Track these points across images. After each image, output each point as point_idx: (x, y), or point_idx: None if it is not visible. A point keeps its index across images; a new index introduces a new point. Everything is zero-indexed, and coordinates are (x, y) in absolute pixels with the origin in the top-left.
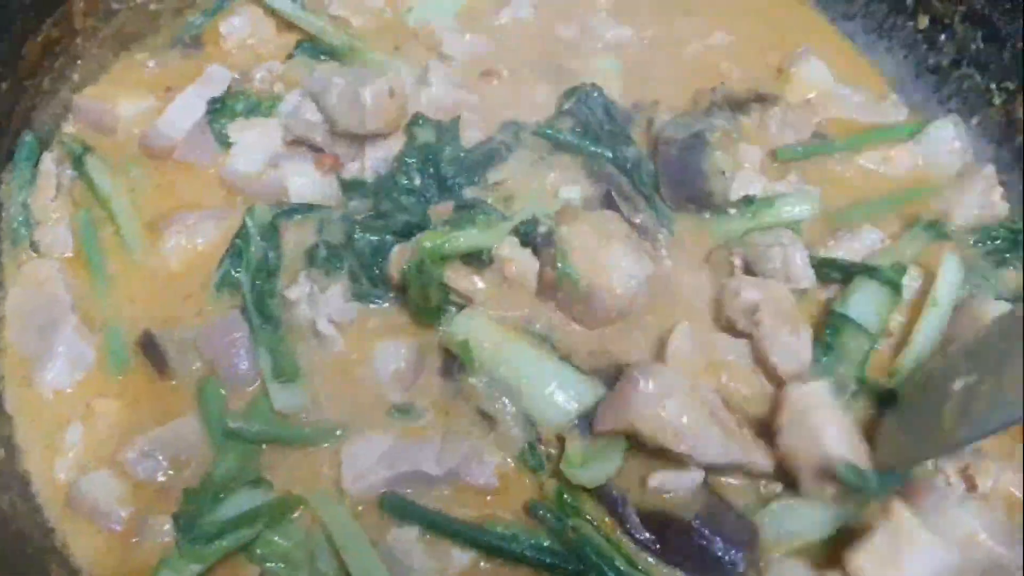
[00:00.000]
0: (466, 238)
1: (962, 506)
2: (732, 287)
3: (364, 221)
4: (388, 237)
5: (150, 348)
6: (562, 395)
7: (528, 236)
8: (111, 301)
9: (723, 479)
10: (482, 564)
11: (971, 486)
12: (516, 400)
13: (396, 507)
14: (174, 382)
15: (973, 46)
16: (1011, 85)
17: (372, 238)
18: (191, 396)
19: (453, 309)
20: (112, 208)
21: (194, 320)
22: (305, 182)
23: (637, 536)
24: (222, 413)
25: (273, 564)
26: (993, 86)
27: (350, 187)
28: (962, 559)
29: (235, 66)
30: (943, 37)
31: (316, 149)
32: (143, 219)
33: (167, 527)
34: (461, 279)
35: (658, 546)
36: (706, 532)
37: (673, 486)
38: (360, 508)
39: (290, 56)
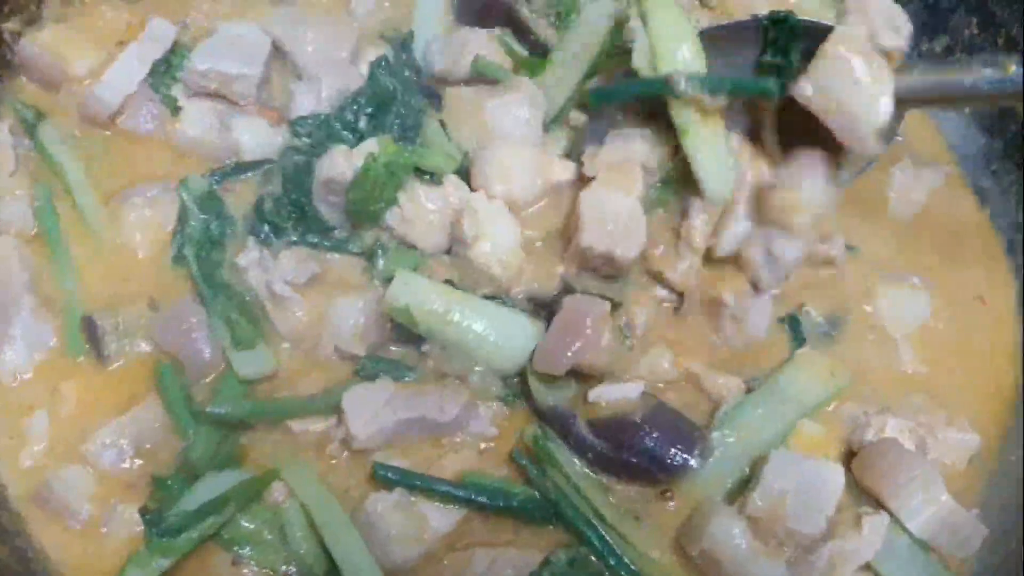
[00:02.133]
0: (420, 156)
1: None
2: None
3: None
4: None
5: (90, 333)
6: (511, 343)
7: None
8: (70, 281)
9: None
10: (465, 523)
11: (921, 443)
12: (472, 357)
13: (387, 476)
14: (111, 368)
15: (967, 32)
16: None
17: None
18: (149, 379)
19: (381, 254)
20: (68, 181)
21: (161, 299)
22: (257, 137)
23: (590, 447)
24: (183, 396)
25: (243, 548)
26: None
27: (296, 124)
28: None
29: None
30: (935, 23)
31: (230, 102)
32: (100, 192)
33: (136, 517)
34: (413, 200)
35: (612, 452)
36: (655, 429)
37: (613, 396)
38: (331, 478)
39: None
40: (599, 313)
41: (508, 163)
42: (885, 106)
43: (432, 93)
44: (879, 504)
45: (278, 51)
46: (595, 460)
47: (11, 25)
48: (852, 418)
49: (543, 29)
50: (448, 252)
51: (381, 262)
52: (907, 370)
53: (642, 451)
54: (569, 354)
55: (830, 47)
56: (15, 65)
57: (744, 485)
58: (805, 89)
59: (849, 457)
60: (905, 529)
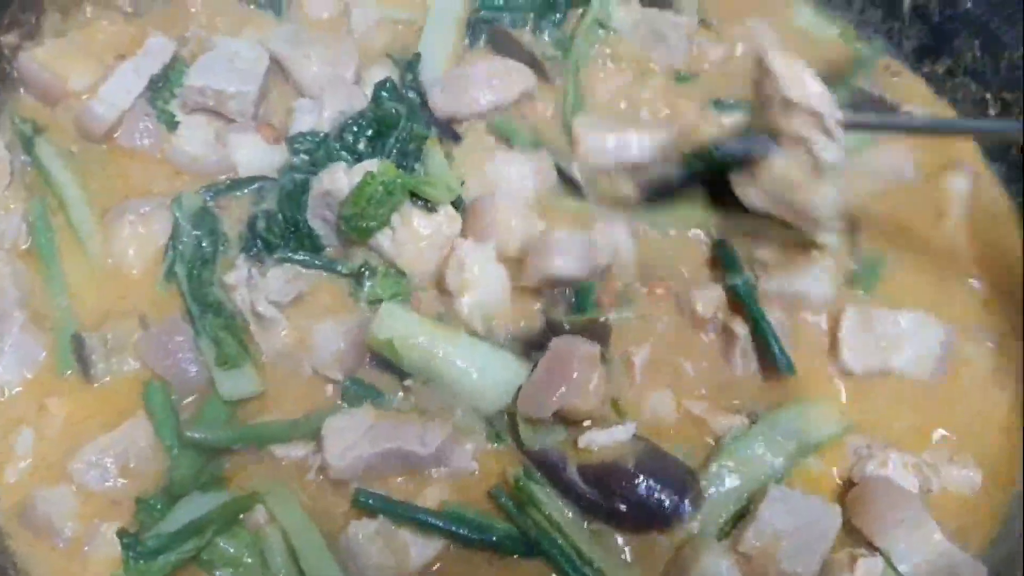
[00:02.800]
0: (420, 183)
1: (917, 505)
2: None
3: (298, 166)
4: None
5: (78, 350)
6: (496, 381)
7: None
8: (62, 297)
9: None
10: (444, 554)
11: (924, 482)
12: (455, 394)
13: (368, 503)
14: (99, 385)
15: (970, 55)
16: (1009, 96)
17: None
18: (137, 397)
19: (368, 276)
20: (63, 196)
21: (153, 316)
22: (253, 154)
23: (580, 494)
24: (170, 417)
25: (222, 570)
26: (989, 96)
27: (294, 141)
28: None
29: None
30: (938, 46)
31: (227, 119)
32: (96, 208)
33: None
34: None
35: (602, 501)
36: (648, 478)
37: (603, 442)
38: (314, 504)
39: None
40: (586, 355)
41: (504, 217)
42: (830, 198)
43: (438, 123)
44: (871, 545)
45: (279, 68)
46: (585, 507)
47: (10, 39)
48: (855, 450)
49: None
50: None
51: (368, 284)
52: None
53: (634, 501)
54: (554, 399)
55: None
56: (14, 79)
57: (739, 519)
58: (753, 198)
59: (848, 489)
60: (896, 572)
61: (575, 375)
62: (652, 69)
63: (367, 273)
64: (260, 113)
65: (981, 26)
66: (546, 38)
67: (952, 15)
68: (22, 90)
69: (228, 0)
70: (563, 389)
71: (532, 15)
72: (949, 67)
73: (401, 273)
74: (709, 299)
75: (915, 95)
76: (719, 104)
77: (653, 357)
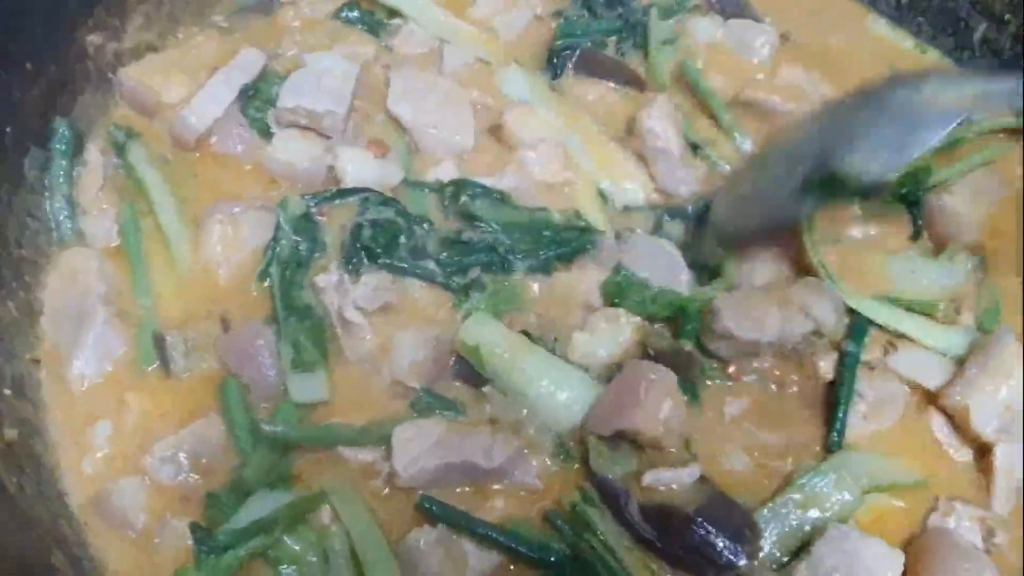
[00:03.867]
0: None
1: (979, 560)
2: None
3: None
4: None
5: (160, 347)
6: (571, 400)
7: None
8: (147, 296)
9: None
10: (502, 569)
11: (988, 535)
12: (530, 407)
13: (431, 509)
14: (177, 382)
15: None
16: None
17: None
18: (212, 396)
19: (476, 289)
20: (152, 200)
21: (234, 319)
22: (361, 168)
23: (639, 532)
24: (246, 414)
25: (287, 567)
26: None
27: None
28: None
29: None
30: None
31: (321, 135)
32: (186, 212)
33: (187, 531)
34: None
35: (660, 541)
36: (706, 524)
37: (668, 482)
38: (378, 508)
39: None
40: (657, 380)
41: None
42: None
43: None
44: None
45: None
46: (642, 543)
47: (94, 38)
48: (924, 504)
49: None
50: None
51: (476, 297)
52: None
53: (689, 546)
54: (618, 418)
55: None
56: (111, 89)
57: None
58: None
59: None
60: None
61: (642, 397)
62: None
63: (476, 288)
64: (350, 127)
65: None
66: (631, 55)
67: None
68: (119, 99)
69: (323, 17)
70: (628, 410)
71: (613, 38)
72: (956, 44)
73: (512, 294)
74: (830, 363)
75: None
76: None
77: (748, 412)
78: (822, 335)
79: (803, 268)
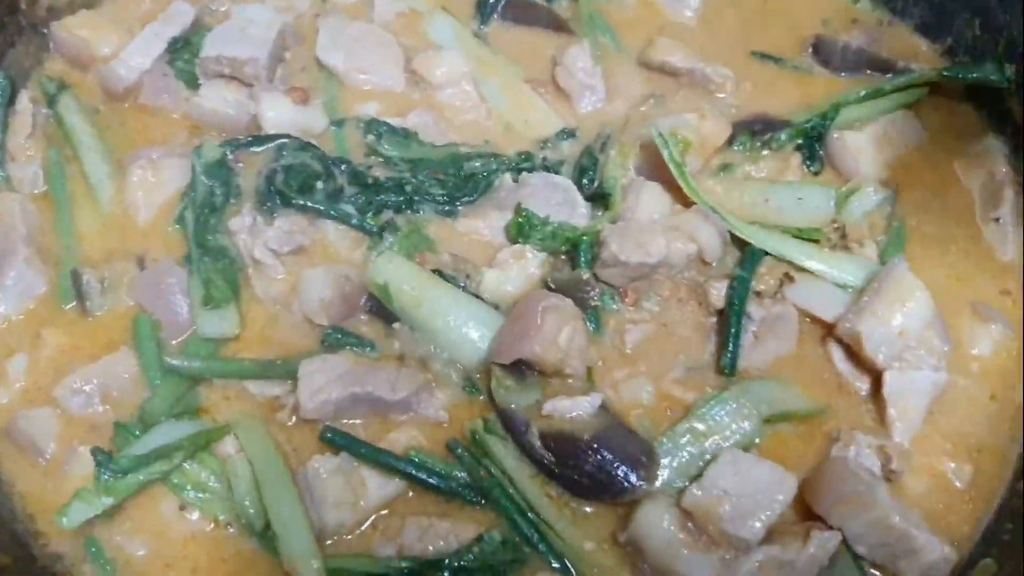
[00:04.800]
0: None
1: (875, 489)
2: None
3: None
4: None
5: (76, 284)
6: (476, 333)
7: None
8: (68, 237)
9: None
10: (401, 497)
11: (886, 463)
12: (437, 342)
13: (334, 440)
14: (93, 319)
15: (970, 33)
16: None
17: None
18: (125, 332)
19: (389, 231)
20: (79, 146)
21: (151, 260)
22: (282, 115)
23: (539, 459)
24: (155, 348)
25: (189, 493)
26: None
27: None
28: (876, 542)
29: None
30: (940, 25)
31: (245, 83)
32: (113, 161)
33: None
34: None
35: (558, 468)
36: (602, 451)
37: (568, 411)
38: (283, 440)
39: None
40: (552, 306)
41: None
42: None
43: None
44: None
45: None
46: (542, 470)
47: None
48: (826, 433)
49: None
50: None
51: (389, 240)
52: None
53: (586, 471)
54: (516, 346)
55: None
56: (47, 43)
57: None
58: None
59: None
60: (852, 552)
61: (539, 324)
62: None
63: (389, 230)
64: (278, 75)
65: (981, 5)
66: (560, 2)
67: None
68: (53, 52)
69: None
70: (527, 337)
71: None
72: (950, 46)
73: (424, 237)
74: (722, 291)
75: (913, 52)
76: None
77: (649, 339)
78: (708, 262)
79: (689, 202)
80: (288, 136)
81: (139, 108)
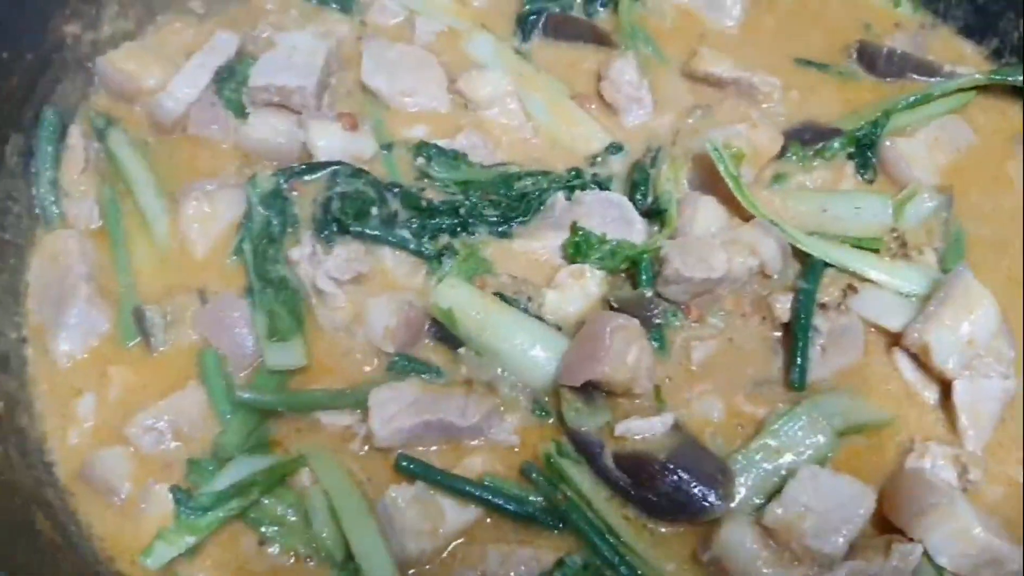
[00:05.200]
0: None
1: (955, 500)
2: None
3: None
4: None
5: (139, 321)
6: (543, 355)
7: None
8: (127, 274)
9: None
10: (479, 523)
11: (962, 473)
12: (503, 365)
13: (409, 468)
14: (158, 355)
15: (1015, 34)
16: None
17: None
18: (191, 367)
19: (448, 256)
20: (131, 181)
21: (211, 292)
22: (332, 141)
23: (614, 481)
24: (223, 382)
25: (268, 528)
26: None
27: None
28: (957, 553)
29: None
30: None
31: (294, 111)
32: (165, 193)
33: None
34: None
35: (634, 489)
36: (678, 471)
37: (640, 431)
38: (357, 469)
39: None
40: (620, 327)
41: None
42: None
43: None
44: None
45: (339, 58)
46: (618, 492)
47: (72, 29)
48: (899, 443)
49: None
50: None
51: (448, 264)
52: None
53: (663, 492)
54: (586, 367)
55: None
56: (91, 77)
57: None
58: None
59: None
60: (934, 564)
61: (608, 345)
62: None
63: (447, 255)
64: (325, 102)
65: None
66: (600, 15)
67: None
68: (99, 86)
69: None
70: (595, 358)
71: (580, 1)
72: (996, 48)
73: (482, 259)
74: (786, 304)
75: (958, 55)
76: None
77: (715, 356)
78: (770, 275)
79: (746, 214)
80: (340, 163)
81: (188, 139)
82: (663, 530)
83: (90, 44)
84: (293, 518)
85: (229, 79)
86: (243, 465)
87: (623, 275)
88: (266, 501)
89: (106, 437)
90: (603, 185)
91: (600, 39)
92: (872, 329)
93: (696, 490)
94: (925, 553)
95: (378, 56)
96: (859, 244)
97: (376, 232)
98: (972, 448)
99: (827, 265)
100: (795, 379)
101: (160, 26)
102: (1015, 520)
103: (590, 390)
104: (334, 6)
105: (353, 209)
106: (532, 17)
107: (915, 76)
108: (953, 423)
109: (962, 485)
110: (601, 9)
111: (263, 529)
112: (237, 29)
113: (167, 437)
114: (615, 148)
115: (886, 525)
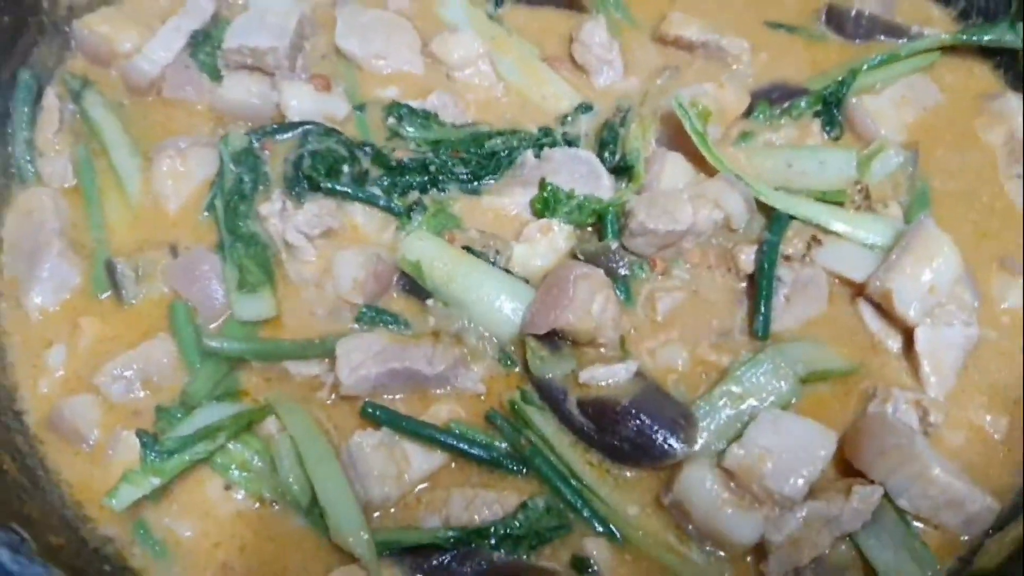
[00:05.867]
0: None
1: (915, 441)
2: None
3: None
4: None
5: (111, 274)
6: (508, 306)
7: None
8: (100, 229)
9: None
10: (444, 468)
11: (924, 417)
12: (470, 316)
13: (375, 414)
14: (129, 307)
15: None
16: None
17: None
18: (162, 319)
19: (418, 211)
20: (106, 140)
21: (183, 247)
22: (304, 102)
23: (578, 426)
24: (193, 332)
25: (234, 473)
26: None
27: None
28: (917, 495)
29: None
30: None
31: (267, 73)
32: (139, 153)
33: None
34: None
35: (597, 434)
36: (640, 415)
37: (604, 378)
38: (324, 417)
39: None
40: (583, 275)
41: None
42: None
43: None
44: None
45: (312, 21)
46: (582, 438)
47: None
48: (863, 391)
49: None
50: None
51: (418, 219)
52: None
53: (625, 436)
54: (551, 316)
55: None
56: (68, 41)
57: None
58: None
59: None
60: (893, 504)
61: (572, 293)
62: None
63: (417, 209)
64: (299, 64)
65: None
66: None
67: None
68: (75, 49)
69: None
70: (560, 307)
71: None
72: (963, 9)
73: (451, 215)
74: (751, 256)
75: (926, 17)
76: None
77: (680, 307)
78: (735, 229)
79: (712, 170)
80: (312, 123)
81: (162, 101)
82: (627, 474)
83: (67, 8)
84: (259, 464)
85: (204, 43)
86: (210, 412)
87: (590, 230)
88: (232, 447)
89: (76, 386)
90: (573, 143)
91: (571, 4)
92: (837, 280)
93: (658, 434)
94: (886, 495)
95: (352, 20)
96: (823, 198)
97: (346, 189)
98: (935, 394)
99: (792, 218)
100: (759, 328)
101: None
102: (976, 465)
103: (555, 339)
104: None
105: (324, 166)
106: None
107: (883, 38)
108: (916, 371)
109: (923, 428)
110: None
111: (229, 474)
112: None
113: (136, 386)
114: (585, 108)
115: (848, 469)
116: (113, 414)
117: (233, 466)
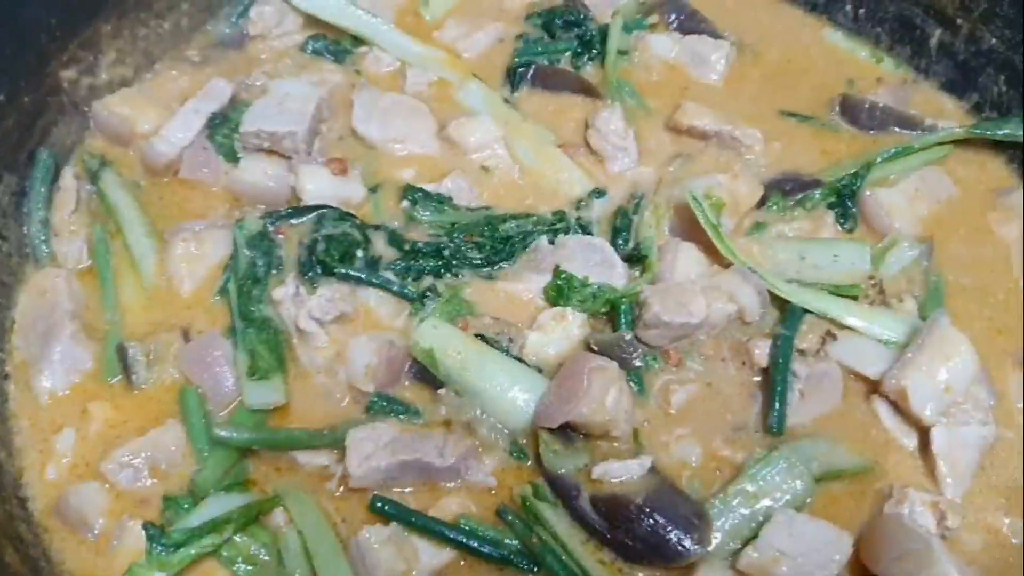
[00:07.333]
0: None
1: (931, 546)
2: None
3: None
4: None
5: (122, 358)
6: (522, 397)
7: None
8: (113, 312)
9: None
10: (453, 565)
11: (940, 520)
12: (482, 406)
13: (383, 509)
14: (140, 392)
15: (995, 89)
16: None
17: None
18: (172, 405)
19: (432, 297)
20: (122, 221)
21: (195, 331)
22: (320, 186)
23: (591, 524)
24: (202, 420)
25: (240, 566)
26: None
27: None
28: None
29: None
30: (965, 82)
31: (284, 156)
32: (154, 234)
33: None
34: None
35: (610, 533)
36: (654, 514)
37: (618, 474)
38: (332, 509)
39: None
40: (597, 368)
41: None
42: None
43: None
44: None
45: (329, 106)
46: (594, 536)
47: (70, 74)
48: (877, 491)
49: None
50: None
51: (432, 306)
52: None
53: (639, 536)
54: (564, 409)
55: None
56: (87, 119)
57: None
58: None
59: None
60: None
61: (586, 385)
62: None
63: (431, 296)
64: (316, 147)
65: (1005, 62)
66: (587, 68)
67: (976, 51)
68: (94, 129)
69: (292, 49)
70: (574, 400)
71: (568, 55)
72: (976, 102)
73: (465, 301)
74: (765, 350)
75: (939, 110)
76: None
77: (694, 400)
78: (749, 322)
79: (726, 261)
80: (327, 207)
81: (179, 182)
82: (639, 574)
83: (87, 89)
84: (266, 557)
85: (222, 125)
86: (218, 503)
87: (604, 318)
88: (239, 539)
89: (83, 472)
90: (586, 228)
91: (587, 90)
92: (851, 376)
93: (672, 534)
94: None
95: (370, 104)
96: (838, 291)
97: (360, 274)
98: (951, 496)
99: (806, 312)
100: (773, 423)
101: (157, 73)
102: (993, 570)
103: (568, 432)
104: (328, 56)
105: (338, 251)
106: (521, 69)
107: (897, 129)
108: (932, 470)
109: (940, 532)
110: (588, 63)
111: (235, 567)
112: (232, 77)
113: (144, 473)
114: (598, 193)
115: (864, 572)
116: (120, 502)
117: (240, 559)
